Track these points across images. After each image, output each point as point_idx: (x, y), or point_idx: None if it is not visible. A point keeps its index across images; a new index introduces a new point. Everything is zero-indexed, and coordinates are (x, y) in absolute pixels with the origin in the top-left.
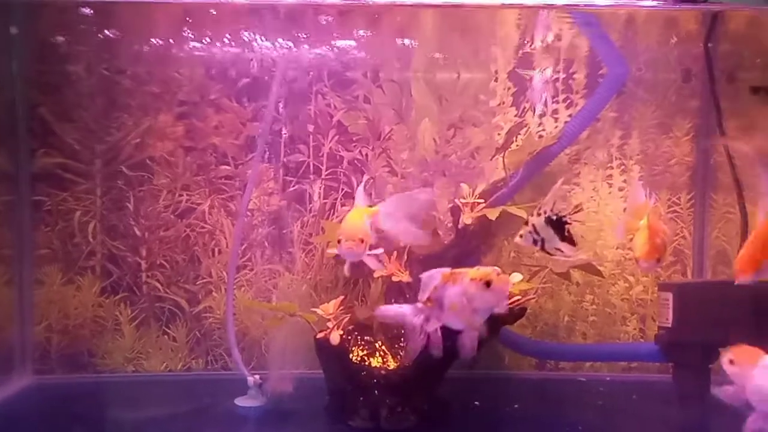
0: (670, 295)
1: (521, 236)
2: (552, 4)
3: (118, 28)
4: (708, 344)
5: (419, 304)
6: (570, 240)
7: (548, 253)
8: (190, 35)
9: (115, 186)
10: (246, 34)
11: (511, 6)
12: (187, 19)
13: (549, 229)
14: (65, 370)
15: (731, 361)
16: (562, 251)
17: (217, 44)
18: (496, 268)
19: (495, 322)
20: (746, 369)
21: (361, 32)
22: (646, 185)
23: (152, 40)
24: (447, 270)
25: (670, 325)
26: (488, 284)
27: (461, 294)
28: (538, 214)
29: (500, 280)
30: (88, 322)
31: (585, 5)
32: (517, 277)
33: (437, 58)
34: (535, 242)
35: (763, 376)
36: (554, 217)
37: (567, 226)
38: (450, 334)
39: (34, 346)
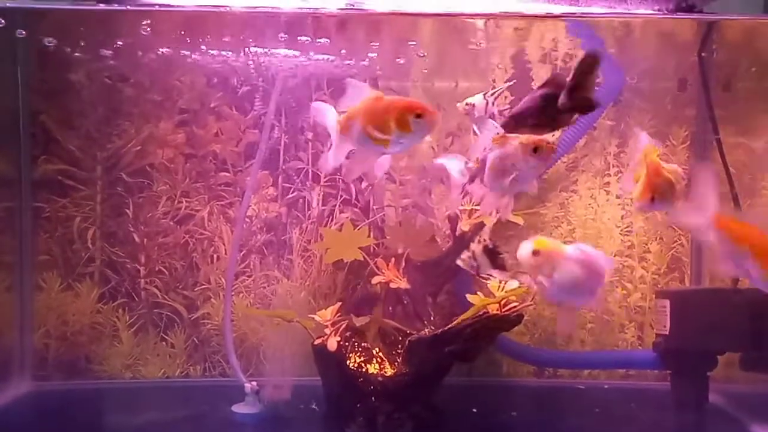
0: (667, 303)
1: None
2: (549, 14)
3: (120, 37)
4: (705, 352)
5: (470, 164)
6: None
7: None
8: (191, 43)
9: (115, 193)
10: (246, 42)
11: (508, 16)
12: (188, 27)
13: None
14: (63, 376)
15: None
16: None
17: (218, 52)
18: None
19: (492, 329)
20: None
21: (362, 41)
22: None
23: (154, 48)
24: (501, 132)
25: (667, 333)
26: (535, 150)
27: (504, 157)
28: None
29: (548, 149)
30: (87, 328)
31: (581, 14)
32: (514, 283)
33: (435, 66)
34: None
35: (566, 267)
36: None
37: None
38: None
39: (32, 352)
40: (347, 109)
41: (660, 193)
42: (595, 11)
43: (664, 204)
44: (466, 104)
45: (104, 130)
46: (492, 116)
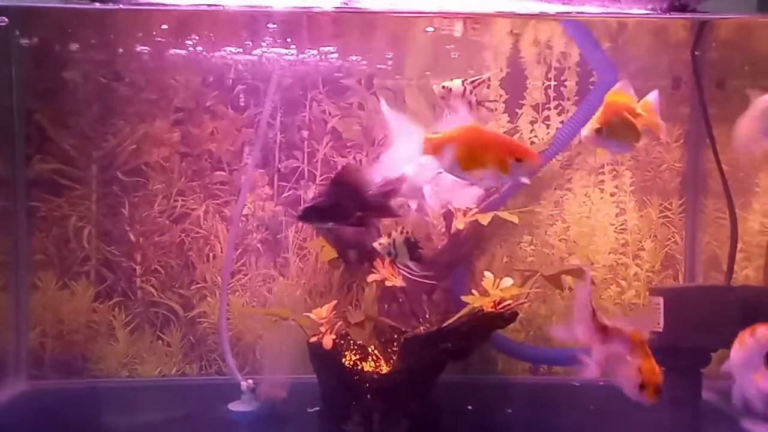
0: (661, 300)
1: (380, 245)
2: (544, 13)
3: (115, 35)
4: (699, 349)
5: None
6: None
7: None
8: (186, 42)
9: (111, 192)
10: (242, 41)
11: (503, 15)
12: (183, 25)
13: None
14: (59, 375)
15: None
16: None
17: (214, 51)
18: None
19: (487, 327)
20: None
21: (356, 39)
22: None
23: (149, 47)
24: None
25: (660, 330)
26: (642, 387)
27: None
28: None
29: (654, 392)
30: (83, 327)
31: (576, 14)
32: (509, 281)
33: (430, 65)
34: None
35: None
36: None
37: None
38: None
39: (28, 351)
40: (441, 132)
41: (609, 127)
42: (588, 11)
43: (614, 142)
44: (443, 87)
45: (99, 129)
46: (469, 105)
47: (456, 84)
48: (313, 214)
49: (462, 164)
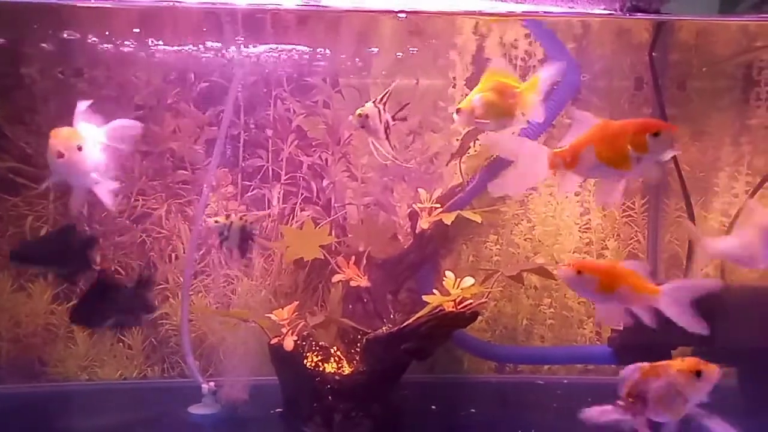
0: None
1: (215, 221)
2: (510, 12)
3: (75, 31)
4: (658, 347)
5: (621, 402)
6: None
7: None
8: (148, 39)
9: (69, 191)
10: (205, 38)
11: (469, 14)
12: (146, 22)
13: (238, 234)
14: (16, 379)
15: None
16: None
17: (176, 48)
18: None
19: (448, 327)
20: None
21: (322, 38)
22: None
23: (110, 43)
24: (646, 364)
25: (621, 328)
26: (699, 374)
27: (669, 386)
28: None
29: (710, 369)
30: (40, 329)
31: (543, 13)
32: (469, 281)
33: (397, 64)
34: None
35: None
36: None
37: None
38: None
39: None
40: (570, 142)
41: (481, 103)
42: (554, 11)
43: (485, 121)
44: (359, 115)
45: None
46: (386, 124)
47: (370, 108)
48: (20, 257)
49: (606, 161)
